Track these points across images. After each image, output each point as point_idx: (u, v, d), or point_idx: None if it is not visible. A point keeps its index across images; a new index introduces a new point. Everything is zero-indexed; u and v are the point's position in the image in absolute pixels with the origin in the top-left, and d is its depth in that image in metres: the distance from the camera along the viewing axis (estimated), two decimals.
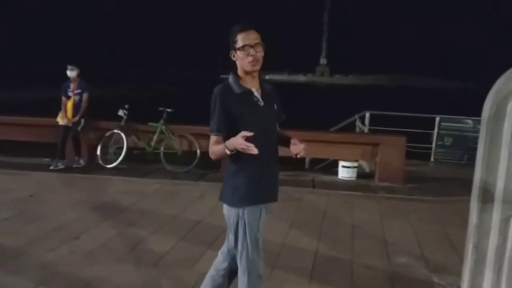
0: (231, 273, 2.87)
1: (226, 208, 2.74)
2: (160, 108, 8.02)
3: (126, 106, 8.03)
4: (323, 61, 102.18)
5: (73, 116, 7.74)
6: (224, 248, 2.93)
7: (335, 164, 8.03)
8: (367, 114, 10.11)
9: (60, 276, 3.78)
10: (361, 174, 7.76)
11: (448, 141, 9.61)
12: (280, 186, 7.47)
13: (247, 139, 2.37)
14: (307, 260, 4.22)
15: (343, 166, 7.66)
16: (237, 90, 2.57)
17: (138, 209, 5.65)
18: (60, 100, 7.81)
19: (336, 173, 7.78)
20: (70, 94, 7.77)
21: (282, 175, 7.54)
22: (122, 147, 7.83)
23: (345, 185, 7.25)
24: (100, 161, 7.90)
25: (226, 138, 2.51)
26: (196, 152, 7.78)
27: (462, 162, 9.21)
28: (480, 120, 2.90)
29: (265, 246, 4.51)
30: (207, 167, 7.85)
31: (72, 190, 6.49)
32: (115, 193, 6.34)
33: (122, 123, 7.96)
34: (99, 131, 8.15)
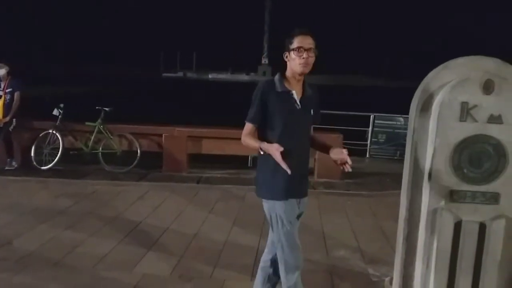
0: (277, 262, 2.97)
1: (263, 201, 2.88)
2: (97, 107, 7.78)
3: (61, 105, 7.73)
4: (265, 60, 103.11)
5: (4, 116, 7.34)
6: (269, 240, 3.03)
7: None
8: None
9: None
10: None
11: (382, 138, 10.05)
12: (223, 184, 7.48)
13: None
14: (249, 257, 4.27)
15: None
16: (278, 88, 2.74)
17: (76, 211, 5.46)
18: None
19: None
20: (0, 93, 7.36)
21: (224, 173, 7.69)
22: (58, 147, 7.52)
23: None
24: (35, 163, 7.54)
25: (259, 128, 2.77)
26: (136, 151, 7.63)
27: (395, 157, 9.66)
28: None
29: (207, 244, 4.57)
30: (148, 166, 7.72)
31: (4, 193, 6.15)
32: (50, 196, 6.08)
33: (57, 122, 7.65)
34: (33, 131, 7.78)
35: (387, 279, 3.70)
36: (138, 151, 7.62)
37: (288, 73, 2.79)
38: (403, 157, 3.31)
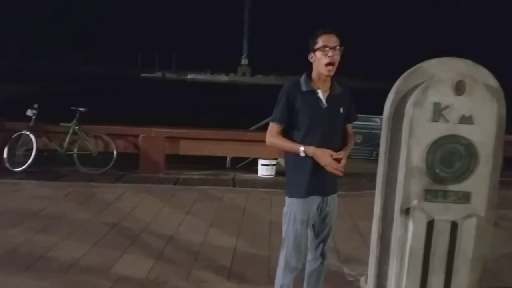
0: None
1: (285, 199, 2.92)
2: (72, 108, 7.66)
3: (35, 105, 7.58)
4: (244, 61, 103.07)
5: None
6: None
7: (255, 163, 8.17)
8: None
9: None
10: (279, 172, 7.95)
11: (358, 138, 10.15)
12: (201, 185, 7.43)
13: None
14: (226, 258, 4.25)
15: (262, 164, 7.81)
16: (303, 88, 2.76)
17: (49, 214, 5.34)
18: None
19: (256, 171, 7.91)
20: None
21: (202, 174, 7.65)
22: (32, 149, 7.37)
23: (264, 183, 7.40)
24: (8, 165, 7.36)
25: (285, 129, 2.78)
26: (112, 153, 7.53)
27: (371, 158, 9.76)
28: None
29: (184, 246, 4.53)
30: (124, 168, 7.63)
31: None
32: (23, 198, 5.94)
33: (31, 123, 7.49)
34: (5, 133, 7.60)
35: (362, 278, 3.72)
36: (114, 152, 7.52)
37: (314, 73, 2.79)
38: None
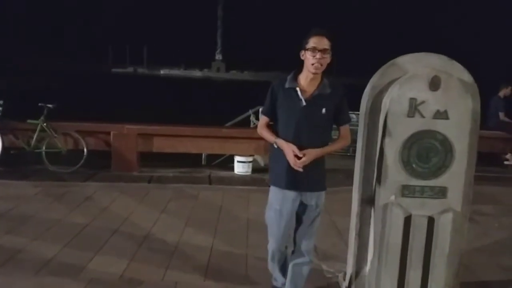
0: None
1: None
2: (40, 104, 7.40)
3: (1, 101, 7.30)
4: (218, 56, 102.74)
5: None
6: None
7: (231, 160, 8.09)
8: (261, 109, 10.29)
9: None
10: (256, 169, 7.91)
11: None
12: (176, 183, 7.28)
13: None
14: (203, 257, 4.18)
15: (238, 161, 7.73)
16: (287, 85, 2.87)
17: (16, 215, 5.15)
18: None
19: (232, 169, 7.84)
20: None
21: (177, 172, 7.53)
22: None
23: (241, 180, 7.34)
24: None
25: (271, 120, 3.00)
26: (82, 150, 7.32)
27: (348, 154, 9.79)
28: None
29: (159, 245, 4.44)
30: (95, 166, 7.43)
31: None
32: None
33: None
34: None
35: (340, 274, 3.72)
36: (85, 150, 7.31)
37: (303, 71, 2.87)
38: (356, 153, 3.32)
